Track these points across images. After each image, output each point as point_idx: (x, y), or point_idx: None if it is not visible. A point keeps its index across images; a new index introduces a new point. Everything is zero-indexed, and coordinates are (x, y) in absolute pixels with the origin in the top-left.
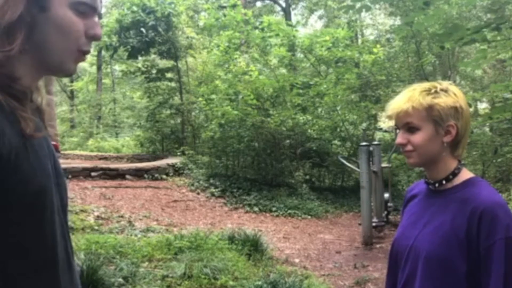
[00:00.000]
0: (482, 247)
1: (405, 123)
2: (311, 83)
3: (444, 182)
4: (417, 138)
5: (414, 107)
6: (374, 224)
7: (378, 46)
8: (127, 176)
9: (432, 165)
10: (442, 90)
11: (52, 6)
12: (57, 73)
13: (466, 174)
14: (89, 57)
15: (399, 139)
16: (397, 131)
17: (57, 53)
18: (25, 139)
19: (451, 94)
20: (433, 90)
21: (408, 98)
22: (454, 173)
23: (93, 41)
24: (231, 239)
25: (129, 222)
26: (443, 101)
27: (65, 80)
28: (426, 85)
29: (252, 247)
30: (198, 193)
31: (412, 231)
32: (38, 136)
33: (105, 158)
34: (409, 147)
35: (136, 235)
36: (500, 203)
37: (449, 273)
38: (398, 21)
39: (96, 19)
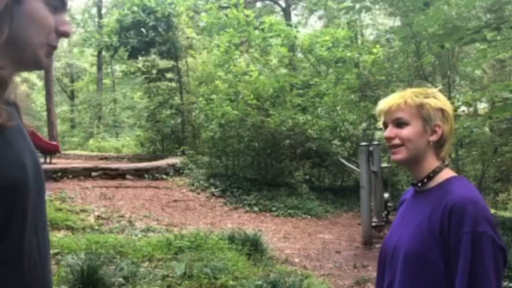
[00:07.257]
0: (452, 242)
1: (395, 118)
2: (311, 83)
3: (425, 181)
4: (406, 132)
5: (407, 102)
6: (374, 224)
7: (377, 46)
8: (128, 176)
9: (416, 164)
10: (431, 94)
11: None
12: (30, 66)
13: (447, 173)
14: (89, 57)
15: (388, 133)
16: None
17: (30, 46)
18: None
19: (439, 99)
20: (423, 93)
21: (400, 95)
22: (435, 171)
23: (63, 37)
24: (231, 239)
25: (130, 222)
26: (433, 102)
27: (65, 80)
28: (417, 89)
29: (252, 247)
30: (198, 193)
31: (397, 232)
32: (11, 125)
33: (106, 158)
34: (396, 141)
35: (136, 235)
36: (472, 198)
37: (426, 270)
38: (398, 22)
39: (65, 16)
